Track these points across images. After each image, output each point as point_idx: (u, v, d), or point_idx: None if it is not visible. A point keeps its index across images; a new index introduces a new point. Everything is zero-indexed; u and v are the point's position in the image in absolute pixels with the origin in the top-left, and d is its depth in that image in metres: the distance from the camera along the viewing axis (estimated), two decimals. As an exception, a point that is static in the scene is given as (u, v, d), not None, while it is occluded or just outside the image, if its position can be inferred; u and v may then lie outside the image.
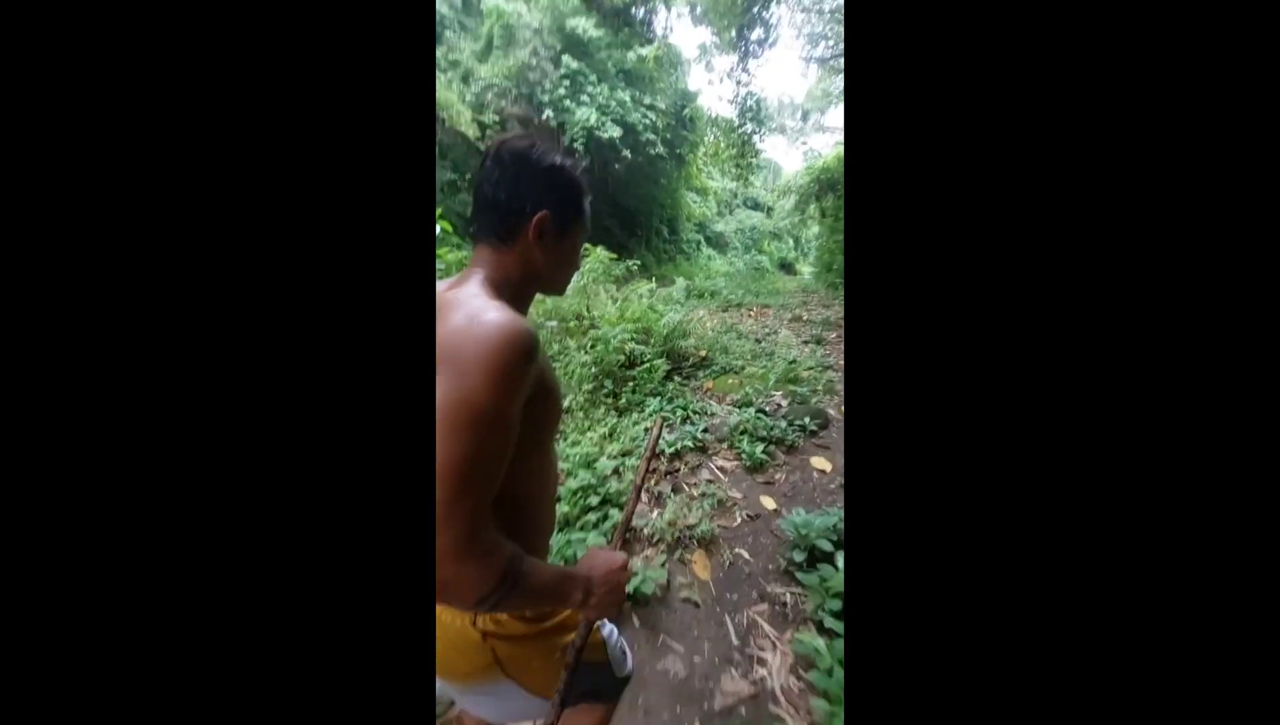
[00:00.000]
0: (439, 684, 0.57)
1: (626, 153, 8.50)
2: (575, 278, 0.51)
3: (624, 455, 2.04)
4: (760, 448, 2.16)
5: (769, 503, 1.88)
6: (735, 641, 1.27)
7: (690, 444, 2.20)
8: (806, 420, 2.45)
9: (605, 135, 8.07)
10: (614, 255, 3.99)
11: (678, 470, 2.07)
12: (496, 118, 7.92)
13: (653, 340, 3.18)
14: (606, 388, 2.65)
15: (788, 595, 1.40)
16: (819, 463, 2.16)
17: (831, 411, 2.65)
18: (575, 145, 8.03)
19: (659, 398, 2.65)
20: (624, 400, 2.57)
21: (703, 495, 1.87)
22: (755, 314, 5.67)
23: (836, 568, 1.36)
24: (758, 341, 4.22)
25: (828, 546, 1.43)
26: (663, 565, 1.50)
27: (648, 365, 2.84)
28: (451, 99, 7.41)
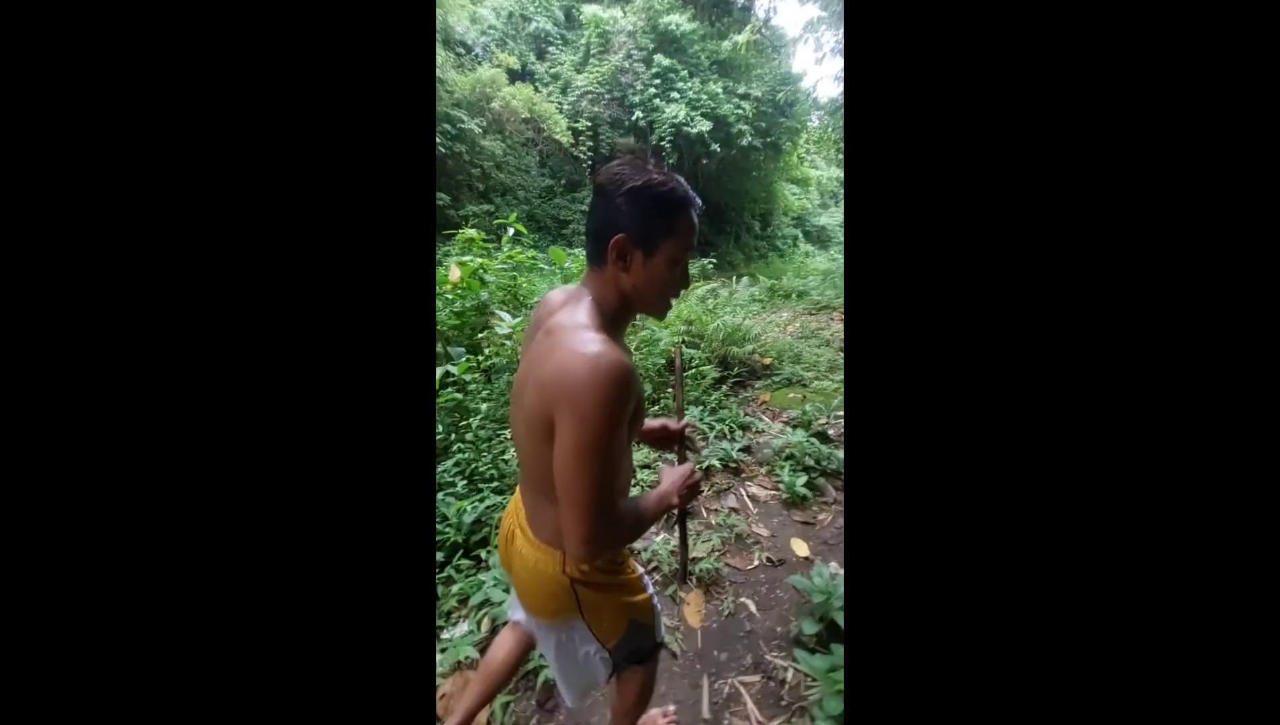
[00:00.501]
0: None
1: (715, 146, 8.19)
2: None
3: (644, 468, 1.91)
4: (803, 479, 1.83)
5: (801, 548, 1.57)
6: (706, 714, 1.06)
7: (718, 464, 1.96)
8: (874, 450, 2.02)
9: (694, 130, 7.88)
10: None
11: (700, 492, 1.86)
12: (589, 123, 8.26)
13: (704, 344, 2.96)
14: (646, 393, 2.53)
15: (789, 672, 1.13)
16: (880, 505, 1.75)
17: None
18: (663, 143, 8.00)
19: (701, 407, 2.44)
20: (661, 406, 2.42)
21: (719, 525, 1.64)
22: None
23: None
24: (840, 351, 3.68)
25: (851, 621, 1.12)
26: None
27: (694, 370, 2.65)
28: (550, 110, 7.92)
